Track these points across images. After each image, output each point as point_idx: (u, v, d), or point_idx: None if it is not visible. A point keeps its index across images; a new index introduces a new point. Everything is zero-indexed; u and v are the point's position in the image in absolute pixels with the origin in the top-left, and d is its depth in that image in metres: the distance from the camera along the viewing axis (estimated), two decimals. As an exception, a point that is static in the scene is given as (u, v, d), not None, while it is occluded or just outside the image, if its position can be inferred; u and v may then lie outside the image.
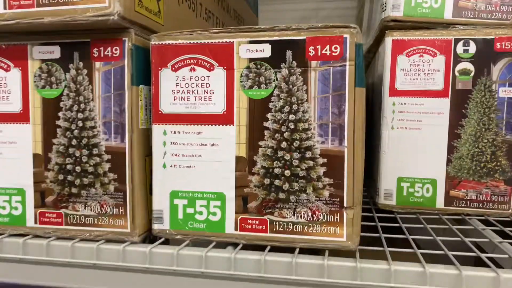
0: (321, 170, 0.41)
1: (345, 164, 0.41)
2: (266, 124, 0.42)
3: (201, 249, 0.42)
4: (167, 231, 0.46)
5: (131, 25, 0.43)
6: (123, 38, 0.43)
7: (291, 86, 0.42)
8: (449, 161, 0.56)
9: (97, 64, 0.44)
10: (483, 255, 0.41)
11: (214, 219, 0.45)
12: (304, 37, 0.42)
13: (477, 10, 0.56)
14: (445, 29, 0.55)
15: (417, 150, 0.56)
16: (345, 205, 0.41)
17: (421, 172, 0.57)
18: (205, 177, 0.44)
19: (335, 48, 0.41)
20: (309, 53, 0.42)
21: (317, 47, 0.41)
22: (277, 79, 0.42)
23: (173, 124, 0.44)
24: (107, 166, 0.45)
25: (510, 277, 0.36)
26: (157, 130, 0.45)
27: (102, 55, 0.44)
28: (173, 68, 0.45)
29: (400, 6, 0.57)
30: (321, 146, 0.41)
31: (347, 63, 0.41)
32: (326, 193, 0.41)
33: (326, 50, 0.41)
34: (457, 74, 0.55)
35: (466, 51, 0.55)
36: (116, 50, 0.44)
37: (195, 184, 0.44)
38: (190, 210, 0.45)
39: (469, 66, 0.55)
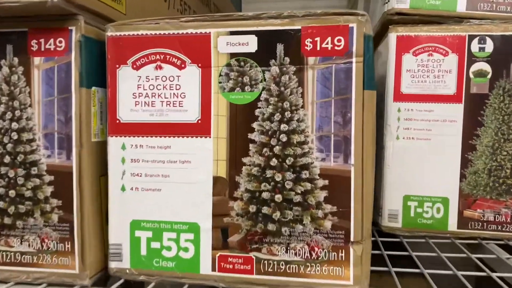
0: (322, 195, 0.34)
1: (351, 187, 0.33)
2: (251, 136, 0.35)
3: (169, 296, 0.33)
4: (127, 271, 0.37)
5: (79, 10, 0.34)
6: (70, 28, 0.34)
7: (283, 88, 0.34)
8: (462, 176, 0.50)
9: (36, 60, 0.35)
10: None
11: (186, 256, 0.36)
12: (299, 27, 0.33)
13: (495, 2, 0.50)
14: (458, 24, 0.50)
15: (425, 164, 0.51)
16: (351, 239, 0.33)
17: (430, 190, 0.51)
18: (175, 203, 0.36)
19: (339, 40, 0.33)
20: (306, 47, 0.33)
21: (316, 39, 0.33)
22: (265, 79, 0.34)
23: (134, 136, 0.37)
24: (49, 190, 0.36)
25: None
26: (114, 143, 0.37)
27: (42, 49, 0.35)
28: (135, 66, 0.36)
29: (406, -3, 0.51)
30: (321, 164, 0.34)
31: (354, 60, 0.33)
32: (327, 223, 0.33)
33: (327, 43, 0.33)
34: (471, 76, 0.49)
35: (482, 49, 0.49)
36: (60, 42, 0.34)
37: (162, 212, 0.36)
38: (155, 245, 0.36)
39: (486, 67, 0.49)
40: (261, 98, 0.35)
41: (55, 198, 0.36)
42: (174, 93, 0.36)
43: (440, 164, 0.50)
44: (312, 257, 0.34)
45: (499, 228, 0.50)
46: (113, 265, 0.37)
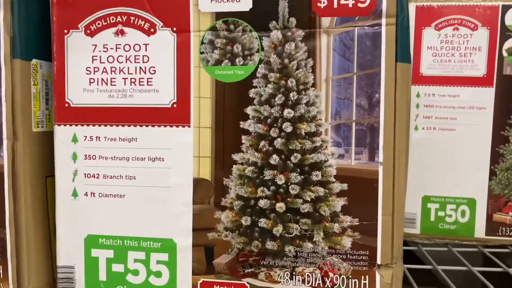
0: (339, 203, 0.27)
1: (379, 193, 0.26)
2: (244, 125, 0.28)
3: None
4: (82, 301, 0.28)
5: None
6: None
7: (287, 61, 0.27)
8: (492, 174, 0.46)
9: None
10: None
11: (158, 282, 0.29)
12: (309, -23, 0.25)
13: None
14: None
15: (449, 159, 0.46)
16: (378, 261, 0.26)
17: (454, 190, 0.47)
18: (143, 214, 0.29)
19: (363, -5, 0.24)
20: (318, 4, 0.25)
21: (332, -6, 0.25)
22: (263, 48, 0.27)
23: (88, 125, 0.29)
24: (-29, 196, 0.27)
25: None
26: (63, 134, 0.29)
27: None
28: (88, 31, 0.28)
29: (427, -40, 0.49)
30: (338, 162, 0.27)
31: (384, 22, 0.26)
32: (346, 241, 0.27)
33: (346, -1, 0.25)
34: (505, 54, 0.45)
35: None
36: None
37: (127, 225, 0.29)
38: (118, 268, 0.29)
39: None
40: (257, 74, 0.27)
41: (-19, 208, 0.27)
42: (140, 67, 0.28)
43: (466, 159, 0.46)
44: (326, 285, 0.26)
45: None
46: (62, 293, 0.29)
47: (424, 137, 0.45)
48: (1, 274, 0.28)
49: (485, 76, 0.44)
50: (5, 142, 0.27)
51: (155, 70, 0.28)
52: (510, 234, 0.45)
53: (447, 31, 0.45)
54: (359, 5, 0.25)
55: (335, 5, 0.25)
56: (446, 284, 0.36)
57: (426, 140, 0.45)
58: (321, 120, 0.26)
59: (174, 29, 0.27)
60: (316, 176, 0.27)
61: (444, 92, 0.45)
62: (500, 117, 0.44)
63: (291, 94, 0.27)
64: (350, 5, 0.25)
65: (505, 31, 0.43)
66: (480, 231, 0.45)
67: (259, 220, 0.27)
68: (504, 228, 0.45)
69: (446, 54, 0.45)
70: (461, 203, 0.46)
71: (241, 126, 0.28)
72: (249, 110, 0.27)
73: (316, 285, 0.27)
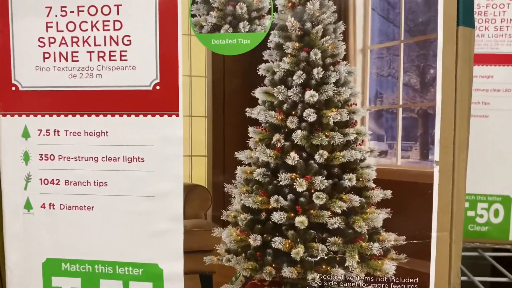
0: (380, 216, 0.21)
1: (434, 202, 0.21)
2: (252, 113, 0.22)
3: None
4: None
5: None
6: None
7: (309, 25, 0.21)
8: None
9: None
10: None
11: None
12: None
13: None
14: None
15: (481, 151, 0.42)
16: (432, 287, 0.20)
17: (487, 186, 0.43)
18: (118, 232, 0.23)
19: None
20: None
21: None
22: (276, 8, 0.21)
23: (43, 115, 0.23)
24: None
25: None
26: (10, 127, 0.24)
27: None
28: None
29: None
30: (380, 161, 0.21)
31: None
32: (389, 266, 0.21)
33: None
34: None
35: None
36: None
37: (97, 245, 0.24)
38: None
39: None
40: (269, 44, 0.21)
41: None
42: (111, 37, 0.22)
43: (501, 150, 0.43)
44: None
45: None
46: (15, 335, 0.23)
47: None
48: None
49: None
50: None
51: (130, 41, 0.22)
52: None
53: (480, 0, 0.40)
54: None
55: None
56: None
57: None
58: (355, 105, 0.21)
59: None
60: (349, 180, 0.21)
61: (476, 73, 0.40)
62: None
63: (314, 71, 0.21)
64: None
65: None
66: None
67: (273, 240, 0.22)
68: None
69: (479, 28, 0.41)
70: (494, 201, 0.43)
71: (247, 114, 0.22)
72: (258, 93, 0.22)
73: (349, 324, 0.21)
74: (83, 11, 0.22)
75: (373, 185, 0.22)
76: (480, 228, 0.43)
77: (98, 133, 0.23)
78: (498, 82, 0.41)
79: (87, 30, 0.22)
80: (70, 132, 0.23)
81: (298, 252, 0.22)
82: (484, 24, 0.40)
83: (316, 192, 0.22)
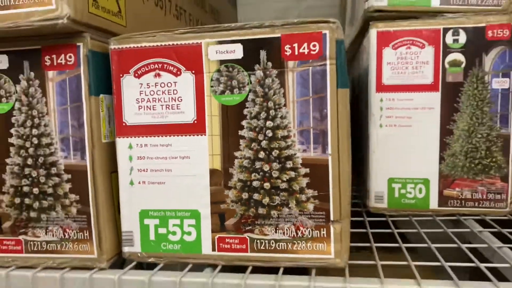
0: (304, 181, 0.38)
1: (329, 174, 0.38)
2: (241, 132, 0.39)
3: (176, 273, 0.38)
4: (139, 254, 0.42)
5: (85, 28, 0.39)
6: (77, 44, 0.39)
7: (267, 90, 0.38)
8: (441, 159, 0.54)
9: (50, 73, 0.40)
10: (482, 266, 0.38)
11: (189, 239, 0.41)
12: (279, 35, 0.37)
13: None
14: (433, 18, 0.53)
15: (407, 149, 0.55)
16: (331, 218, 0.38)
17: (412, 172, 0.55)
18: (177, 194, 0.40)
19: (314, 46, 0.37)
20: (285, 53, 0.37)
21: (294, 45, 0.37)
22: (251, 82, 0.38)
23: (139, 137, 0.41)
24: (67, 186, 0.41)
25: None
26: (122, 143, 0.41)
27: (55, 64, 0.40)
28: (136, 75, 0.40)
29: (384, -6, 0.54)
30: (303, 154, 0.38)
31: (328, 62, 0.37)
32: (310, 206, 0.38)
33: (303, 49, 0.37)
34: (447, 66, 0.53)
35: (456, 41, 0.53)
36: (70, 57, 0.39)
37: (167, 201, 0.41)
38: (162, 231, 0.41)
39: (460, 57, 0.53)
40: (248, 99, 0.39)
41: (73, 194, 0.41)
42: (172, 97, 0.40)
43: (421, 148, 0.54)
44: (298, 236, 0.39)
45: (476, 205, 0.54)
46: (126, 249, 0.43)
47: (387, 132, 0.54)
48: (88, 237, 0.42)
49: (432, 83, 0.52)
50: (87, 150, 0.40)
51: (181, 99, 0.39)
52: (457, 205, 0.53)
53: (402, 50, 0.52)
54: (312, 52, 0.38)
55: (296, 53, 0.38)
56: (399, 244, 0.47)
57: (389, 135, 0.54)
58: (290, 127, 0.38)
59: (193, 71, 0.40)
60: (289, 164, 0.38)
61: (401, 97, 0.53)
62: (445, 115, 0.52)
63: (270, 111, 0.38)
64: (306, 53, 0.38)
65: (446, 48, 0.51)
66: (434, 204, 0.54)
67: (253, 195, 0.39)
68: (452, 201, 0.53)
69: (402, 68, 0.53)
70: (418, 183, 0.54)
71: (239, 133, 0.38)
72: (244, 123, 0.38)
73: (292, 236, 0.40)
74: (157, 85, 0.39)
75: (300, 166, 0.37)
76: (410, 201, 0.54)
77: (166, 145, 0.39)
78: (417, 103, 0.52)
79: (160, 94, 0.39)
80: (153, 145, 0.39)
81: (266, 200, 0.39)
82: (405, 65, 0.52)
83: (273, 171, 0.38)
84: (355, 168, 0.55)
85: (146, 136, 0.40)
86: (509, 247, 0.43)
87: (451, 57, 0.52)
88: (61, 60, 0.40)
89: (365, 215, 0.56)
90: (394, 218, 0.54)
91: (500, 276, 0.38)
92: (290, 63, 0.38)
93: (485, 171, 0.53)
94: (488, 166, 0.53)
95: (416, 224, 0.51)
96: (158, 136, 0.40)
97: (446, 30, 0.52)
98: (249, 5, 1.14)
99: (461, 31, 0.52)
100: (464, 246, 0.43)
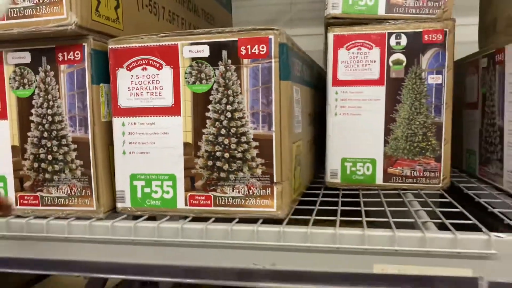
0: (255, 152, 0.48)
1: (273, 146, 0.48)
2: (208, 114, 0.49)
3: (155, 222, 0.50)
4: (129, 209, 0.53)
5: (89, 32, 0.50)
6: (83, 44, 0.51)
7: (227, 81, 0.48)
8: (386, 142, 0.62)
9: (62, 66, 0.52)
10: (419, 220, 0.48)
11: (167, 197, 0.52)
12: (237, 39, 0.49)
13: (407, 6, 0.62)
14: (379, 24, 0.61)
15: (358, 133, 0.63)
16: (275, 180, 0.48)
17: (362, 153, 0.63)
18: (159, 161, 0.51)
19: (262, 47, 0.48)
20: (241, 52, 0.48)
21: (248, 47, 0.48)
22: (215, 75, 0.49)
23: (130, 117, 0.51)
24: (74, 154, 0.52)
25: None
26: (117, 122, 0.52)
27: (66, 59, 0.51)
28: (128, 68, 0.52)
29: (339, 4, 0.63)
30: (254, 131, 0.48)
31: (273, 60, 0.47)
32: (259, 171, 0.48)
33: (255, 49, 0.48)
34: (391, 64, 0.61)
35: (398, 43, 0.61)
36: (77, 54, 0.51)
37: (151, 167, 0.51)
38: (147, 190, 0.52)
39: (401, 57, 0.61)
40: (213, 88, 0.49)
41: (78, 159, 0.53)
42: (155, 86, 0.50)
43: (369, 133, 0.62)
44: (250, 194, 0.49)
45: (414, 181, 0.62)
46: (119, 205, 0.54)
47: (341, 119, 0.62)
48: (89, 194, 0.54)
49: (379, 79, 0.60)
50: (89, 126, 0.52)
51: (163, 88, 0.50)
52: (399, 181, 0.62)
53: (354, 51, 0.60)
54: (261, 52, 0.48)
55: (250, 53, 0.49)
56: (337, 207, 0.58)
57: (342, 122, 0.62)
58: (245, 110, 0.48)
59: (172, 66, 0.50)
60: (244, 138, 0.49)
61: (353, 90, 0.61)
62: (389, 105, 0.60)
63: (230, 98, 0.48)
64: (257, 53, 0.49)
65: (390, 49, 0.60)
66: (379, 180, 0.62)
67: (216, 163, 0.49)
68: (394, 177, 0.62)
69: (353, 66, 0.61)
70: (366, 162, 0.62)
71: (206, 115, 0.49)
72: (209, 107, 0.49)
73: (245, 194, 0.51)
74: (144, 76, 0.52)
75: (252, 140, 0.48)
76: (359, 177, 0.62)
77: (151, 123, 0.49)
78: (365, 95, 0.61)
79: (146, 84, 0.52)
80: (140, 123, 0.49)
81: (226, 167, 0.50)
82: (356, 64, 0.60)
83: (232, 144, 0.49)
84: (323, 151, 0.66)
85: (135, 116, 0.51)
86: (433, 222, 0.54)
87: (394, 57, 0.61)
88: (71, 56, 0.51)
89: (322, 189, 0.66)
90: (346, 191, 0.62)
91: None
92: (245, 61, 0.48)
93: (422, 153, 0.61)
94: (424, 148, 0.61)
95: (361, 195, 0.61)
96: (145, 116, 0.51)
97: (390, 34, 0.60)
98: (242, 7, 1.25)
99: (402, 35, 0.60)
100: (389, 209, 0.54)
